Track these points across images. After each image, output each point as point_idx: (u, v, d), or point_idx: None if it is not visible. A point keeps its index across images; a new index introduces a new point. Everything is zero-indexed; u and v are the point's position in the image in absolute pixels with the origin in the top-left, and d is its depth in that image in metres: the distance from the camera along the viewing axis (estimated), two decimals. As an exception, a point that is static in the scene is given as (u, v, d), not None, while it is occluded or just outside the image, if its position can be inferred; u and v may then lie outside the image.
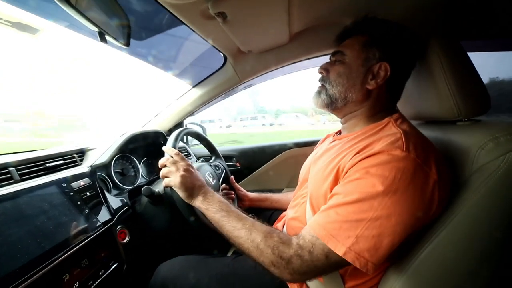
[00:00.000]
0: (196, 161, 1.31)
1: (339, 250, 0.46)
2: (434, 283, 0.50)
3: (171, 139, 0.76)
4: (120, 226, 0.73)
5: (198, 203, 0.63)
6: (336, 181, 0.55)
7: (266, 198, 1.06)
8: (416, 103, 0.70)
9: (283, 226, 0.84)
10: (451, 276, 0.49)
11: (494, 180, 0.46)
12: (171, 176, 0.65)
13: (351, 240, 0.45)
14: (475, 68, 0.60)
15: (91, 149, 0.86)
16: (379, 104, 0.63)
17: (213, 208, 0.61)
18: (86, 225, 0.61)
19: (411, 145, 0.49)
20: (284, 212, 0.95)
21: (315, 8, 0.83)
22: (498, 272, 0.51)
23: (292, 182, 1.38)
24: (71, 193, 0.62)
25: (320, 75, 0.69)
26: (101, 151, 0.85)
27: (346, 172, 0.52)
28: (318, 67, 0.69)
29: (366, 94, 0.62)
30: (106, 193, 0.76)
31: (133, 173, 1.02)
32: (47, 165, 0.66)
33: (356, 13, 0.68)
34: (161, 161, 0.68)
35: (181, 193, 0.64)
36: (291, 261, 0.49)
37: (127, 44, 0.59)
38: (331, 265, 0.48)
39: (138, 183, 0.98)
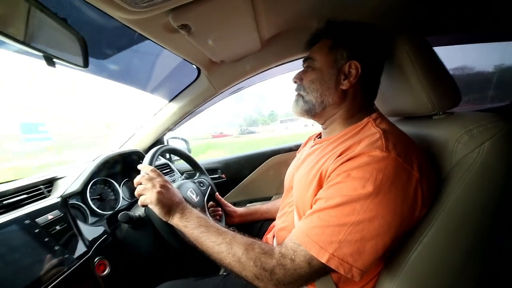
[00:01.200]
0: (180, 177, 1.27)
1: (322, 256, 0.44)
2: (427, 284, 0.49)
3: (147, 157, 0.74)
4: (98, 257, 0.68)
5: (176, 220, 0.61)
6: (319, 186, 0.54)
7: (256, 211, 1.03)
8: (393, 100, 0.71)
9: (273, 237, 0.82)
10: (443, 274, 0.49)
11: (472, 173, 0.47)
12: (146, 193, 0.62)
13: (334, 246, 0.44)
14: (442, 62, 0.61)
15: (60, 178, 0.80)
16: (356, 104, 0.63)
17: (191, 224, 0.59)
18: (56, 263, 0.56)
19: (390, 144, 0.49)
20: (274, 223, 0.93)
21: (282, 13, 0.83)
22: (488, 265, 0.51)
23: (280, 189, 1.36)
24: (37, 230, 0.57)
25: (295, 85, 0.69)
26: (72, 178, 0.80)
27: (329, 176, 0.51)
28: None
29: (342, 96, 0.62)
30: (80, 223, 0.71)
31: (113, 197, 0.96)
32: (5, 202, 0.61)
33: (324, 16, 0.68)
34: (136, 179, 0.65)
35: (157, 211, 0.61)
36: (274, 271, 0.47)
37: (85, 65, 0.56)
38: (315, 272, 0.47)
39: (119, 207, 0.93)
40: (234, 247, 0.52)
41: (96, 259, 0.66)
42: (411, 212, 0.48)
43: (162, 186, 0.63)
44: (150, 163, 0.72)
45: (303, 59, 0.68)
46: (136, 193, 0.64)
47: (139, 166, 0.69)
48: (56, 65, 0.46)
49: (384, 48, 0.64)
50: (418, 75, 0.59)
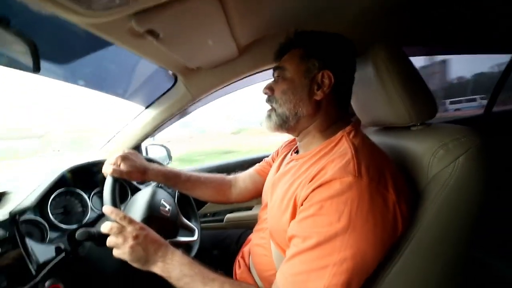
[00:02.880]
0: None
1: None
2: None
3: (106, 193, 0.64)
4: (50, 280, 0.61)
5: (158, 270, 0.55)
6: (294, 214, 0.52)
7: (176, 175, 0.84)
8: (372, 110, 0.71)
9: (249, 252, 0.79)
10: None
11: (448, 189, 0.46)
12: (119, 249, 0.56)
13: None
14: (419, 73, 0.61)
15: (10, 193, 0.74)
16: (330, 115, 0.62)
17: (175, 275, 0.54)
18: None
19: (363, 167, 0.47)
20: (251, 235, 0.90)
21: (257, 20, 0.81)
22: (466, 281, 0.50)
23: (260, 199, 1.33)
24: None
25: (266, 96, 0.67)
26: (26, 192, 0.73)
27: (301, 205, 0.50)
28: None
29: (316, 107, 0.60)
30: (32, 243, 0.64)
31: (80, 209, 0.90)
32: None
33: (300, 24, 0.68)
34: (104, 230, 0.57)
35: (134, 265, 0.56)
36: None
37: (36, 69, 0.52)
38: None
39: (87, 220, 0.87)
40: None
41: (47, 283, 0.60)
42: (392, 235, 0.47)
43: (134, 237, 0.56)
44: (114, 201, 0.63)
45: (272, 68, 0.66)
46: (107, 244, 0.58)
47: (104, 210, 0.60)
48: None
49: (354, 58, 0.64)
50: (395, 85, 0.59)
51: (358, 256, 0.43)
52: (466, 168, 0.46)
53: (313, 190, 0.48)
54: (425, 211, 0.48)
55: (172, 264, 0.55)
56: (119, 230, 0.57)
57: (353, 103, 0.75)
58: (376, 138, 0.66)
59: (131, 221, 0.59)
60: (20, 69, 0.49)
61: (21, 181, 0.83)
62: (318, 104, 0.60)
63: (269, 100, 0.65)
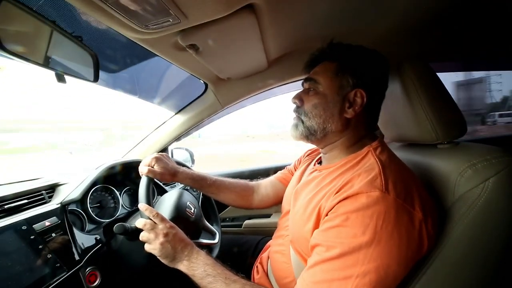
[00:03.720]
0: (180, 186, 1.27)
1: None
2: None
3: (142, 191, 0.69)
4: (90, 267, 0.68)
5: (183, 268, 0.59)
6: (317, 223, 0.52)
7: (204, 178, 0.88)
8: (398, 126, 0.70)
9: (268, 258, 0.80)
10: None
11: (476, 210, 0.45)
12: (151, 244, 0.61)
13: None
14: (447, 91, 0.61)
15: (62, 184, 0.82)
16: (358, 132, 0.61)
17: (199, 274, 0.57)
18: (46, 272, 0.56)
19: (390, 183, 0.47)
20: (269, 242, 0.91)
21: (289, 37, 0.85)
22: None
23: (280, 207, 1.34)
24: (32, 237, 0.58)
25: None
26: (73, 185, 0.81)
27: (326, 215, 0.50)
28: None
29: (345, 124, 0.60)
30: (76, 231, 0.71)
31: (112, 205, 0.97)
32: (6, 206, 0.62)
33: (330, 39, 0.68)
34: (139, 225, 0.63)
35: (162, 261, 0.60)
36: None
37: (95, 79, 0.59)
38: None
39: (118, 215, 0.93)
40: None
41: (87, 269, 0.66)
42: (417, 254, 0.47)
43: (165, 235, 0.60)
44: (148, 199, 0.68)
45: (303, 79, 0.66)
46: (140, 238, 0.63)
47: (140, 207, 0.65)
48: (66, 82, 0.49)
49: (387, 76, 0.63)
50: (422, 102, 0.58)
51: (381, 270, 0.42)
52: (497, 191, 0.45)
53: (339, 201, 0.48)
54: (450, 231, 0.47)
55: (196, 263, 0.58)
56: (151, 227, 0.61)
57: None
58: (400, 154, 0.65)
59: (162, 219, 0.63)
60: (83, 79, 0.56)
61: (71, 174, 0.91)
62: (348, 121, 0.60)
63: (297, 111, 0.64)
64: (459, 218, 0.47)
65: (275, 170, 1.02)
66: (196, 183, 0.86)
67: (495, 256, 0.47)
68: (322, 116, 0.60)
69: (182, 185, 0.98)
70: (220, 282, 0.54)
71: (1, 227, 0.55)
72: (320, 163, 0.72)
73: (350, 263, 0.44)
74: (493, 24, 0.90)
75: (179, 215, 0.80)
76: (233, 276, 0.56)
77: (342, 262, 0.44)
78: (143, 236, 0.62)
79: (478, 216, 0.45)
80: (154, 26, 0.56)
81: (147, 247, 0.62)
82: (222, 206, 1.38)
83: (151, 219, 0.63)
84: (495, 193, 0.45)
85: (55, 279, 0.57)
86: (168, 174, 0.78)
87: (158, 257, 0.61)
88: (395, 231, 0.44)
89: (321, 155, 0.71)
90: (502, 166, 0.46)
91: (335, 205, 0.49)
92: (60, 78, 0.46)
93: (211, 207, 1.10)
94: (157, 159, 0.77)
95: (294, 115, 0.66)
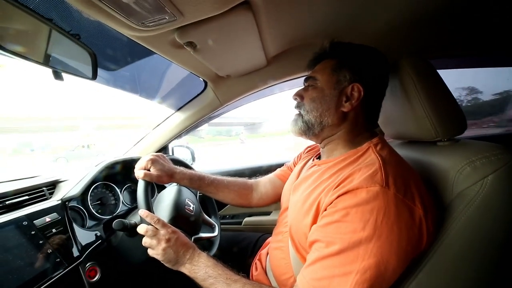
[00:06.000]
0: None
1: None
2: None
3: (140, 197, 0.68)
4: (90, 263, 0.69)
5: (186, 271, 0.60)
6: (315, 218, 0.53)
7: (199, 178, 0.87)
8: (397, 123, 0.70)
9: (267, 254, 0.81)
10: None
11: (474, 208, 0.45)
12: (153, 249, 0.62)
13: None
14: (447, 88, 0.60)
15: (63, 181, 0.83)
16: (356, 127, 0.62)
17: (200, 276, 0.58)
18: (46, 267, 0.57)
19: (390, 178, 0.47)
20: (269, 239, 0.91)
21: (287, 33, 0.85)
22: None
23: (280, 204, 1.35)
24: (33, 232, 0.59)
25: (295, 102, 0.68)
26: (74, 182, 0.82)
27: (325, 210, 0.50)
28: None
29: (342, 117, 0.61)
30: (77, 227, 0.72)
31: (113, 202, 0.98)
32: (7, 202, 0.63)
33: (328, 35, 0.69)
34: (141, 231, 0.63)
35: (166, 264, 0.62)
36: None
37: (94, 77, 0.60)
38: None
39: (118, 212, 0.94)
40: None
41: (87, 265, 0.67)
42: (416, 248, 0.47)
43: (167, 241, 0.61)
44: (148, 204, 0.68)
45: (304, 77, 0.68)
46: (143, 244, 0.64)
47: (140, 213, 0.65)
48: (64, 79, 0.49)
49: (386, 73, 0.63)
50: (421, 99, 0.58)
51: (381, 265, 0.43)
52: (495, 188, 0.44)
53: (339, 196, 0.48)
54: (448, 227, 0.47)
55: (198, 266, 0.59)
56: (153, 233, 0.62)
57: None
58: (400, 152, 0.64)
59: (164, 225, 0.64)
60: (82, 77, 0.57)
61: (71, 171, 0.93)
62: (345, 115, 0.61)
63: (298, 106, 0.67)
64: (457, 215, 0.47)
65: (274, 167, 1.02)
66: (194, 183, 0.86)
67: (493, 252, 0.46)
68: (319, 110, 0.61)
69: None
70: (221, 283, 0.55)
71: (3, 222, 0.56)
72: (319, 158, 0.72)
73: (350, 259, 0.44)
74: (496, 20, 0.89)
75: (179, 214, 0.81)
76: (234, 276, 0.57)
77: (342, 258, 0.45)
78: (145, 242, 0.63)
79: (477, 213, 0.45)
80: (151, 24, 0.56)
81: (150, 252, 0.63)
82: (222, 204, 1.39)
83: (152, 225, 0.63)
84: (493, 190, 0.45)
85: (55, 274, 0.58)
86: (165, 176, 0.78)
87: (161, 262, 0.62)
88: (395, 225, 0.44)
89: (320, 150, 0.72)
90: (501, 163, 0.45)
91: (334, 200, 0.49)
92: (58, 76, 0.47)
93: (209, 200, 1.11)
94: (153, 161, 0.76)
95: (295, 111, 0.68)
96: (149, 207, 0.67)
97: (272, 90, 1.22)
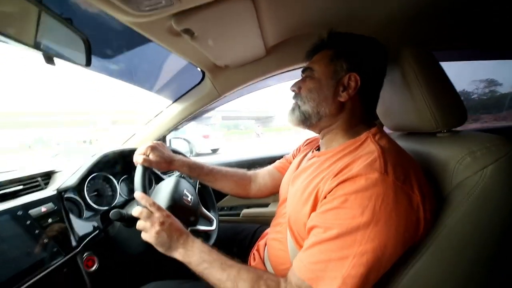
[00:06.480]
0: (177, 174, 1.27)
1: None
2: None
3: (137, 180, 0.68)
4: (87, 253, 0.69)
5: (179, 256, 0.59)
6: (315, 206, 0.53)
7: (198, 167, 0.87)
8: (396, 114, 0.70)
9: (265, 244, 0.81)
10: None
11: (473, 198, 0.45)
12: (147, 232, 0.61)
13: (338, 282, 0.43)
14: (449, 79, 0.60)
15: (58, 171, 0.82)
16: (354, 117, 0.62)
17: (194, 260, 0.57)
18: (43, 257, 0.57)
19: (389, 165, 0.47)
20: (267, 230, 0.92)
21: (287, 21, 0.83)
22: None
23: (277, 196, 1.35)
24: (28, 222, 0.58)
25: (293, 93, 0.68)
26: (70, 172, 0.81)
27: (325, 197, 0.50)
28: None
29: (339, 107, 0.61)
30: (73, 218, 0.72)
31: (110, 193, 0.98)
32: (1, 192, 0.62)
33: (329, 25, 0.68)
34: (135, 213, 0.63)
35: (158, 249, 0.61)
36: None
37: (88, 63, 0.58)
38: None
39: (116, 203, 0.94)
40: (239, 284, 0.51)
41: (85, 255, 0.67)
42: (413, 236, 0.47)
43: (161, 224, 0.60)
44: (144, 187, 0.68)
45: (302, 69, 0.67)
46: (137, 227, 0.63)
47: (136, 196, 0.65)
48: (55, 64, 0.47)
49: (385, 63, 0.63)
50: (422, 90, 0.58)
51: (378, 250, 0.43)
52: (494, 178, 0.44)
53: (338, 184, 0.48)
54: (447, 217, 0.47)
55: (192, 251, 0.59)
56: (148, 215, 0.62)
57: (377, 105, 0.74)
58: (399, 143, 0.65)
59: (159, 208, 0.64)
60: (75, 63, 0.55)
61: (67, 162, 0.92)
62: (342, 105, 0.61)
63: (295, 97, 0.66)
64: (456, 206, 0.47)
65: (272, 160, 1.02)
66: (193, 171, 0.86)
67: (492, 243, 0.47)
68: (316, 100, 0.61)
69: (178, 173, 0.98)
70: (216, 268, 0.55)
71: None
72: (318, 149, 0.72)
73: (347, 244, 0.44)
74: (498, 13, 0.88)
75: (176, 203, 0.80)
76: (229, 261, 0.57)
77: (340, 242, 0.45)
78: (139, 224, 0.63)
79: (476, 203, 0.45)
80: (147, 9, 0.54)
81: (143, 236, 0.62)
82: (220, 195, 1.39)
83: (147, 208, 0.63)
84: (493, 180, 0.44)
85: (52, 263, 0.58)
86: (164, 163, 0.78)
87: (154, 245, 0.61)
88: (394, 212, 0.44)
89: (319, 142, 0.72)
90: (501, 153, 0.45)
91: (333, 188, 0.49)
92: (49, 60, 0.45)
93: (208, 194, 1.10)
94: (152, 148, 0.76)
95: (292, 101, 0.67)
96: (145, 191, 0.67)
97: (271, 82, 1.21)
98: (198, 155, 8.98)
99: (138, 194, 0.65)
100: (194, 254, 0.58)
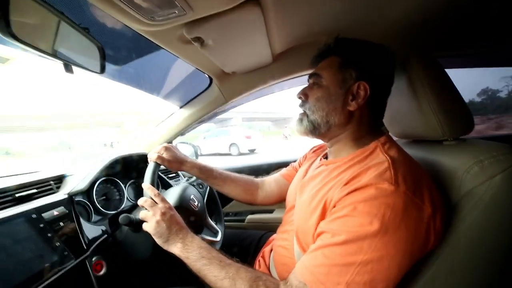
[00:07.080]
0: (184, 180, 1.28)
1: None
2: None
3: (148, 174, 0.72)
4: (96, 257, 0.69)
5: (177, 251, 0.59)
6: (323, 215, 0.52)
7: (211, 170, 0.89)
8: (403, 122, 0.69)
9: (271, 251, 0.81)
10: None
11: (482, 207, 0.45)
12: (148, 221, 0.62)
13: (341, 287, 0.43)
14: (455, 87, 0.60)
15: (70, 175, 0.84)
16: (363, 126, 0.61)
17: (193, 256, 0.57)
18: (54, 260, 0.57)
19: (400, 176, 0.47)
20: (273, 236, 0.91)
21: (294, 30, 0.85)
22: None
23: (283, 203, 1.35)
24: (41, 225, 0.59)
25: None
26: (80, 176, 0.83)
27: (334, 206, 0.50)
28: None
29: (348, 116, 0.60)
30: (83, 221, 0.72)
31: (118, 197, 0.99)
32: (17, 195, 0.64)
33: (335, 33, 0.68)
34: (140, 202, 0.65)
35: (156, 240, 0.61)
36: None
37: (102, 71, 0.60)
38: None
39: (123, 207, 0.95)
40: (238, 283, 0.51)
41: (93, 259, 0.67)
42: (422, 249, 0.47)
43: (162, 214, 0.62)
44: (152, 181, 0.71)
45: (308, 74, 0.67)
46: (140, 217, 0.64)
47: (143, 186, 0.68)
48: (74, 72, 0.49)
49: (393, 71, 0.63)
50: (429, 98, 0.58)
51: (385, 260, 0.43)
52: (503, 188, 0.44)
53: (348, 193, 0.48)
54: (455, 228, 0.47)
55: (191, 246, 0.59)
56: (151, 204, 0.64)
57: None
58: (406, 151, 0.65)
59: (163, 200, 0.66)
60: (89, 70, 0.57)
61: (77, 166, 0.93)
62: (351, 114, 0.60)
63: (302, 105, 0.65)
64: (464, 215, 0.46)
65: (275, 167, 1.02)
66: (203, 173, 0.88)
67: (501, 253, 0.46)
68: (325, 109, 0.61)
69: (187, 181, 0.99)
70: (214, 265, 0.54)
71: (13, 215, 0.56)
72: (326, 158, 0.72)
73: (353, 251, 0.44)
74: (507, 19, 0.88)
75: (182, 205, 0.81)
76: (228, 260, 0.56)
77: (345, 248, 0.44)
78: (142, 214, 0.64)
79: (484, 213, 0.45)
80: (160, 18, 0.56)
81: (144, 226, 0.63)
82: (226, 201, 1.39)
83: (152, 198, 0.65)
84: (501, 190, 0.44)
85: (63, 266, 0.58)
86: (176, 162, 0.81)
87: (152, 236, 0.61)
88: (403, 223, 0.43)
89: (327, 150, 0.72)
90: (509, 163, 0.45)
91: (342, 197, 0.49)
92: (68, 68, 0.47)
93: (215, 205, 1.10)
94: (166, 148, 0.81)
95: (300, 110, 0.67)
96: (153, 183, 0.70)
97: (277, 88, 1.22)
98: (240, 154, 9.59)
99: (145, 184, 0.68)
100: (193, 250, 0.58)
